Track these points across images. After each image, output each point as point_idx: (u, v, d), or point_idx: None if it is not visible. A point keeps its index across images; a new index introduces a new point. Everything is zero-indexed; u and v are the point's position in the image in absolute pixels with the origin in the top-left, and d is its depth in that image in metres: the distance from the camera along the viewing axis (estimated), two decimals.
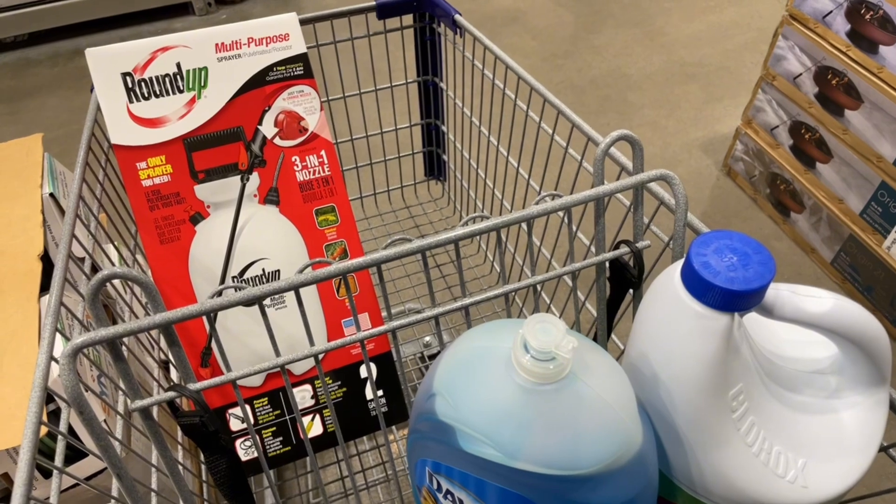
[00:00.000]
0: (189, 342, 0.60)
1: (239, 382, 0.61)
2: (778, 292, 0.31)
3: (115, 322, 0.77)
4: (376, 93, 0.86)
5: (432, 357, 1.07)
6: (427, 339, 1.13)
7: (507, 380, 0.29)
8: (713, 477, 0.32)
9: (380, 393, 0.65)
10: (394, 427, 0.76)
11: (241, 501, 0.41)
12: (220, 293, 0.37)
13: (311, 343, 0.40)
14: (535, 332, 0.27)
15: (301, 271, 0.38)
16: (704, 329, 0.30)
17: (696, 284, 0.30)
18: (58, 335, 0.55)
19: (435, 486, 0.35)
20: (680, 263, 0.32)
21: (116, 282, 0.71)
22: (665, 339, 0.32)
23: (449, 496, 0.34)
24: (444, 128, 0.93)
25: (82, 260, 0.99)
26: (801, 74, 1.35)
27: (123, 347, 0.63)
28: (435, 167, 0.98)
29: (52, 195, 0.88)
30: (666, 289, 0.32)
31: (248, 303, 0.37)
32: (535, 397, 0.28)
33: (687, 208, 0.42)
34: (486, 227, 0.39)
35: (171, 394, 0.37)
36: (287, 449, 0.64)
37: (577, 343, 0.27)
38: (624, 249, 0.44)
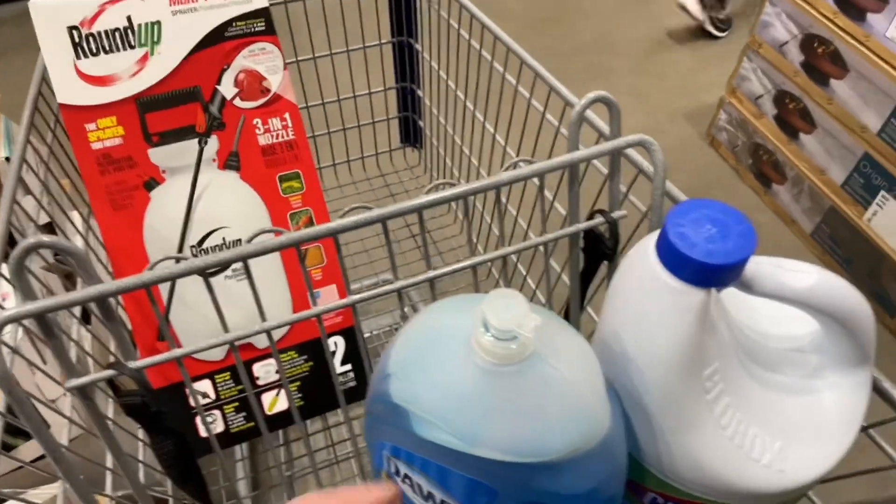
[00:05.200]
0: (145, 315, 0.57)
1: (200, 356, 0.59)
2: (759, 266, 0.28)
3: None
4: (348, 54, 0.82)
5: None
6: (407, 310, 1.11)
7: (466, 360, 0.27)
8: (684, 460, 0.30)
9: (348, 367, 0.62)
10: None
11: (190, 484, 0.38)
12: (158, 264, 0.35)
13: (263, 318, 0.38)
14: (495, 309, 0.25)
15: (250, 240, 0.35)
16: (679, 305, 0.28)
17: (672, 257, 0.27)
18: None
19: (393, 469, 0.33)
20: (655, 234, 0.29)
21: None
22: (637, 315, 0.30)
23: (407, 480, 0.32)
24: (419, 92, 0.89)
25: (48, 227, 0.95)
26: (787, 42, 1.33)
27: (74, 319, 0.60)
28: (411, 134, 0.95)
29: (7, 159, 0.83)
30: (640, 261, 0.30)
31: (192, 273, 0.34)
32: (495, 379, 0.26)
33: (665, 176, 0.40)
34: (453, 194, 0.36)
35: (109, 372, 0.35)
36: (251, 424, 0.62)
37: (541, 321, 0.25)
38: (599, 220, 0.42)
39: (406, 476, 0.32)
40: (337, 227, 0.35)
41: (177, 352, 0.36)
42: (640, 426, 0.31)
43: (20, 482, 0.75)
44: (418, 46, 0.83)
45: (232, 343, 0.37)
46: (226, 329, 0.37)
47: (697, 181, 1.58)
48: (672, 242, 0.27)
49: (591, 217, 0.42)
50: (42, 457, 0.68)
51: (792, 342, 0.33)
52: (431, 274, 0.39)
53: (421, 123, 0.93)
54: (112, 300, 0.35)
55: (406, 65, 0.86)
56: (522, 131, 0.64)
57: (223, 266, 0.34)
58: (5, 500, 0.58)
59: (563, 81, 0.61)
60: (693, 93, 1.78)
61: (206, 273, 0.34)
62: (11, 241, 0.62)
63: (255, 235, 0.36)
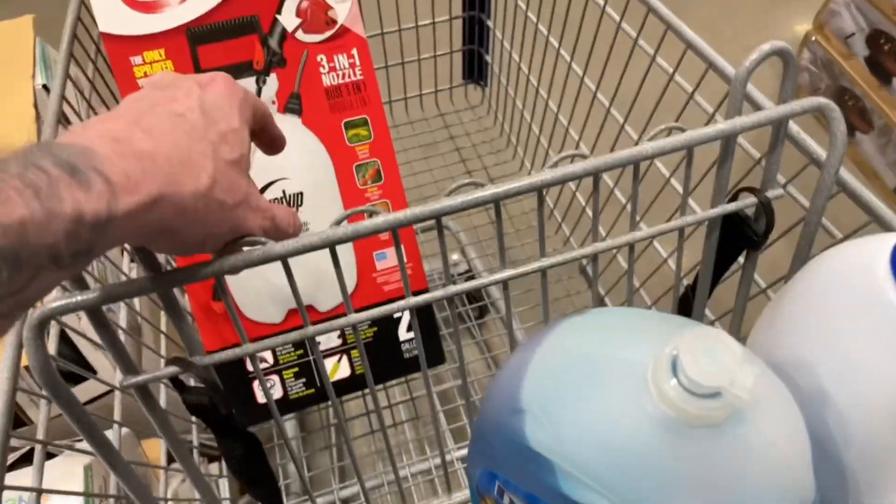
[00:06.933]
0: None
1: (258, 319, 0.54)
2: None
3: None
4: None
5: (461, 276, 1.00)
6: (455, 257, 1.04)
7: (637, 409, 0.20)
8: None
9: (412, 335, 0.57)
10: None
11: (262, 488, 0.34)
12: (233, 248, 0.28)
13: (350, 310, 0.32)
14: (696, 355, 0.18)
15: (338, 223, 0.29)
16: None
17: None
18: None
19: (506, 502, 0.27)
20: (888, 242, 0.22)
21: None
22: (845, 346, 0.23)
23: None
24: (489, 23, 0.80)
25: None
26: None
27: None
28: (475, 69, 0.86)
29: (45, 87, 0.78)
30: (853, 274, 0.23)
31: (273, 261, 0.28)
32: (680, 441, 0.20)
33: (843, 156, 0.32)
34: (584, 169, 0.29)
35: (172, 369, 0.29)
36: (310, 391, 0.57)
37: (759, 371, 0.18)
38: (748, 200, 0.34)
39: None
40: (442, 208, 0.29)
41: (248, 347, 0.31)
42: (826, 479, 0.25)
43: (68, 428, 0.72)
44: None
45: (311, 338, 0.32)
46: (305, 320, 0.31)
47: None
48: None
49: (735, 197, 0.35)
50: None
51: None
52: (546, 262, 0.32)
53: (488, 58, 0.83)
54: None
55: None
56: (621, 78, 0.56)
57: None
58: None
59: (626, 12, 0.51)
60: (771, 28, 1.62)
61: (285, 261, 0.28)
62: None
63: (342, 218, 0.29)
